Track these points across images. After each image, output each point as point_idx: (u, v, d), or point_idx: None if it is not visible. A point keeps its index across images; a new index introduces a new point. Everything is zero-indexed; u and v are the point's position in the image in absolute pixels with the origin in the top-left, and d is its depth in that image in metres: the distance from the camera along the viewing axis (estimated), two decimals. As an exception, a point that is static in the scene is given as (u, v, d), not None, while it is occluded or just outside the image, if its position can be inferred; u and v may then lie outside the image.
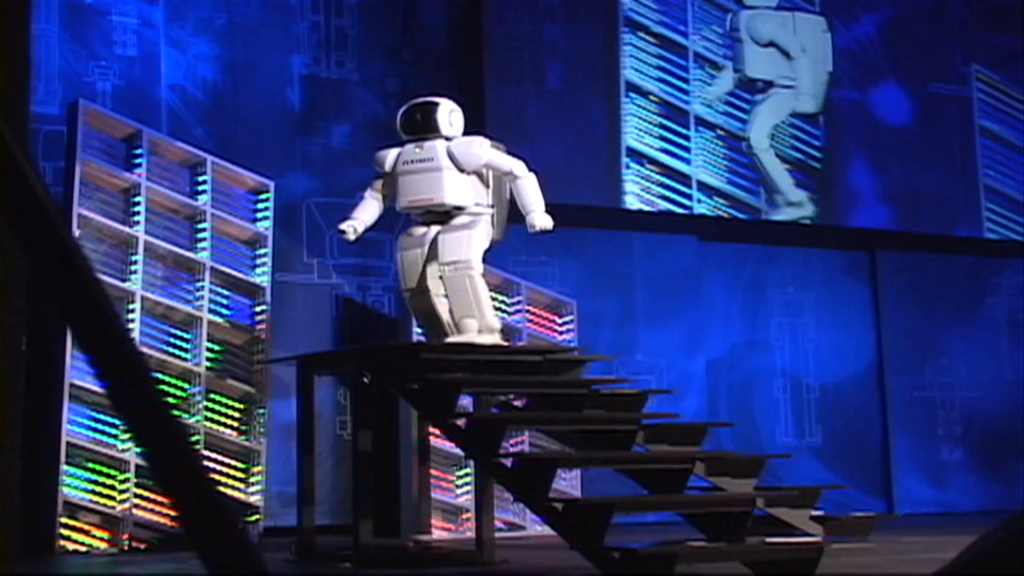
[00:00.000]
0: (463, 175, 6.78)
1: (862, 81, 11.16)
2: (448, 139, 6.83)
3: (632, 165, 10.00)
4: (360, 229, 6.95)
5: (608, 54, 10.12)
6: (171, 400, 7.48)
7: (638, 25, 10.24)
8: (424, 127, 6.82)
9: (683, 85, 10.33)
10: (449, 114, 6.87)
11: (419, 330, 7.52)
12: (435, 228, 6.79)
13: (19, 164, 1.48)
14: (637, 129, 10.04)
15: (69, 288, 1.50)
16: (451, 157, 6.80)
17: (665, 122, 10.18)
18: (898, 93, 11.32)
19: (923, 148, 11.32)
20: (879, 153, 11.11)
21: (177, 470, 1.51)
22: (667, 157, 10.16)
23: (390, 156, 6.87)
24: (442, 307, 6.80)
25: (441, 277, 6.75)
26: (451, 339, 6.72)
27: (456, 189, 6.76)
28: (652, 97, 10.16)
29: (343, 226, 6.93)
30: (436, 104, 6.89)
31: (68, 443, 7.08)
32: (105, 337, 1.50)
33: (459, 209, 6.78)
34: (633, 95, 10.08)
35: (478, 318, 6.71)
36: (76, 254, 1.50)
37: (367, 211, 6.98)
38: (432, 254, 6.76)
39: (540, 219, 6.76)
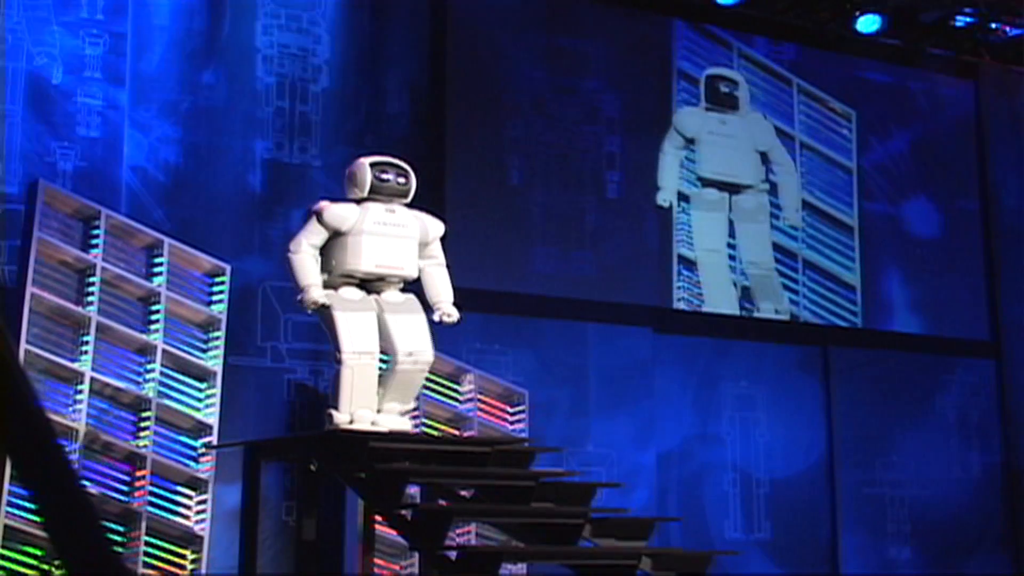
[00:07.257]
0: (417, 247, 6.74)
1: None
2: (408, 207, 6.75)
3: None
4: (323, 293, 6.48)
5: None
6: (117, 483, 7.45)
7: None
8: (398, 191, 6.64)
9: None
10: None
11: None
12: (373, 296, 6.62)
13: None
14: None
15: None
16: (420, 228, 6.74)
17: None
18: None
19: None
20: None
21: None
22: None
23: (352, 213, 6.54)
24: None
25: (385, 360, 6.69)
26: (383, 427, 6.63)
27: (417, 261, 6.76)
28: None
29: (314, 296, 6.42)
30: (409, 171, 6.72)
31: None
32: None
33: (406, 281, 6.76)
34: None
35: (404, 408, 6.74)
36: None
37: (316, 270, 6.52)
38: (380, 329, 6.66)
39: (452, 308, 6.75)
